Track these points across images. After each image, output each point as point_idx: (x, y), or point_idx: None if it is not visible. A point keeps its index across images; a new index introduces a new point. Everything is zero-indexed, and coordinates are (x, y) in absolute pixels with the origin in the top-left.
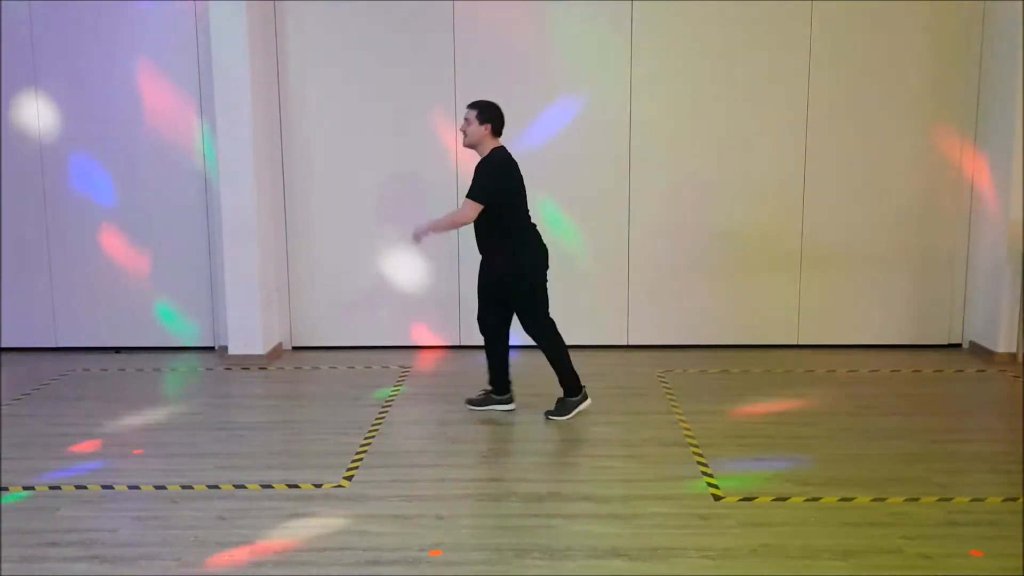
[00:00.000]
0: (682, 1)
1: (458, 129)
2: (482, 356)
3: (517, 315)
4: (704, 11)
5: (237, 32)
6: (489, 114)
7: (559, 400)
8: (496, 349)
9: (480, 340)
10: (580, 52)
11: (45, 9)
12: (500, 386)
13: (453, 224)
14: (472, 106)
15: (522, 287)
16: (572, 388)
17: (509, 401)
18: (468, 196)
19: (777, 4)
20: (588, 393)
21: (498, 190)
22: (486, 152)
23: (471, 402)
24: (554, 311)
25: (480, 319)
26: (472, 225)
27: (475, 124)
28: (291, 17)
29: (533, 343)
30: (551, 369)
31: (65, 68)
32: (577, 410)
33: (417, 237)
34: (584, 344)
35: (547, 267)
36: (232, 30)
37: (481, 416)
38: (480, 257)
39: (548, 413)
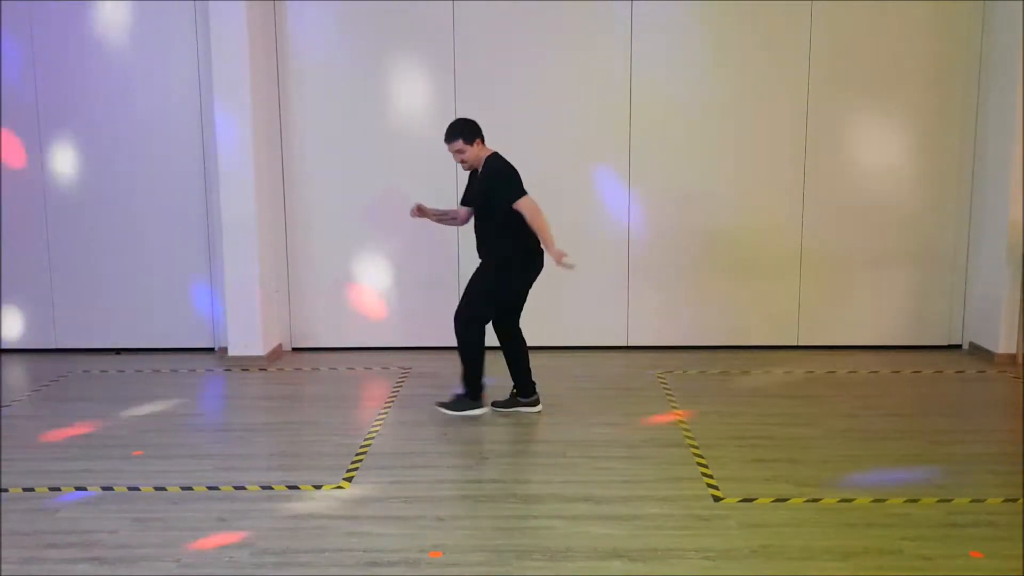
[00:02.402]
0: (682, 1)
1: (457, 161)
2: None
3: (466, 293)
4: (704, 11)
5: (237, 32)
6: (473, 132)
7: (459, 396)
8: (511, 349)
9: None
10: (579, 52)
11: (45, 9)
12: (525, 387)
13: (544, 227)
14: (454, 136)
15: (497, 277)
16: (475, 391)
17: (536, 403)
18: (516, 198)
19: (777, 4)
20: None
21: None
22: (482, 161)
23: (497, 404)
24: (555, 311)
25: (494, 324)
26: (478, 228)
27: (469, 150)
28: (291, 17)
29: (537, 343)
30: (558, 369)
31: (65, 68)
32: (469, 413)
33: (564, 262)
34: (584, 344)
35: (532, 279)
36: (232, 30)
37: (481, 417)
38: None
39: (440, 403)
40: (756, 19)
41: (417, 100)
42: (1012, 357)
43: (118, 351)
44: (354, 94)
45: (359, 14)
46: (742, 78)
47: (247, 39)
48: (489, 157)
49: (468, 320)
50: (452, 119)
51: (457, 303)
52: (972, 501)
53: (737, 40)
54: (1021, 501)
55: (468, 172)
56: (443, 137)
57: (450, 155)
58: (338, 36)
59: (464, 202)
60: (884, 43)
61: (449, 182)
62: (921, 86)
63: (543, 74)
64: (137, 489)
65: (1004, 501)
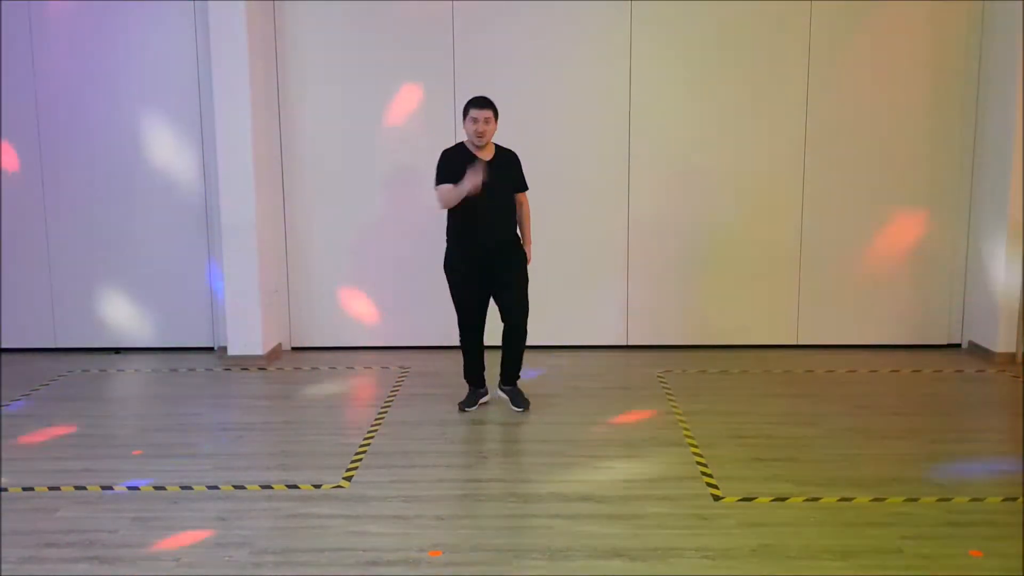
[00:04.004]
0: (682, 1)
1: (477, 131)
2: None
3: (519, 302)
4: (703, 11)
5: (237, 32)
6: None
7: (519, 393)
8: (482, 344)
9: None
10: (579, 53)
11: (45, 9)
12: (480, 379)
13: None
14: (489, 105)
15: (525, 264)
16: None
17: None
18: (525, 190)
19: (776, 4)
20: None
21: None
22: (492, 146)
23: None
24: (555, 311)
25: (479, 320)
26: (496, 213)
27: (493, 123)
28: (291, 17)
29: (537, 343)
30: (558, 369)
31: (64, 68)
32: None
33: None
34: (584, 344)
35: None
36: (232, 30)
37: (480, 416)
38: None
39: (518, 407)
40: (755, 19)
41: (417, 99)
42: (1012, 356)
43: (118, 351)
44: (354, 94)
45: (359, 13)
46: (742, 78)
47: (247, 39)
48: (499, 145)
49: (527, 312)
50: (448, 118)
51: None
52: (972, 500)
53: (737, 40)
54: (1021, 500)
55: (444, 159)
56: (475, 102)
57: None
58: (338, 35)
59: (491, 188)
60: (883, 43)
61: None
62: (921, 86)
63: (542, 73)
64: (137, 489)
65: (1004, 500)
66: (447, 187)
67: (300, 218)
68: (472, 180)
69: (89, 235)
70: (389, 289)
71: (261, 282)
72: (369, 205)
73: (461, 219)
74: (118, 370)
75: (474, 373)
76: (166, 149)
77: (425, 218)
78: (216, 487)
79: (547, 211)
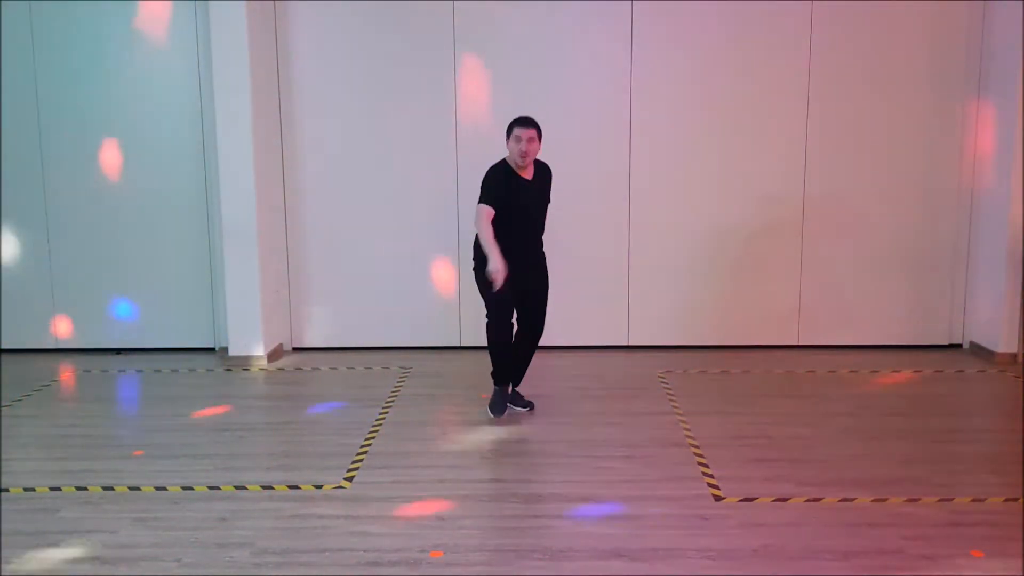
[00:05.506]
0: (682, 1)
1: (521, 151)
2: (485, 356)
3: (542, 309)
4: (703, 10)
5: (237, 32)
6: None
7: (520, 394)
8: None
9: (482, 341)
10: (579, 53)
11: (45, 8)
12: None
13: None
14: (533, 124)
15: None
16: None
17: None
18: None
19: (777, 4)
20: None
21: None
22: (532, 163)
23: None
24: (556, 311)
25: (510, 322)
26: (531, 229)
27: (537, 143)
28: (291, 17)
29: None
30: (558, 369)
31: (64, 68)
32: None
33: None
34: (584, 344)
35: None
36: (232, 30)
37: (481, 417)
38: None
39: (525, 407)
40: (756, 19)
41: (418, 100)
42: (1012, 356)
43: (118, 351)
44: (354, 93)
45: (360, 14)
46: (743, 78)
47: (247, 39)
48: (537, 159)
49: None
50: (449, 116)
51: (459, 302)
52: (973, 501)
53: (738, 39)
54: (1022, 501)
55: (492, 179)
56: (520, 121)
57: (445, 160)
58: (338, 35)
59: (527, 207)
60: (884, 43)
61: (449, 180)
62: (921, 86)
63: (543, 74)
64: (138, 489)
65: (1005, 501)
66: (488, 236)
67: (301, 218)
68: (497, 275)
69: (89, 235)
70: (389, 289)
71: (262, 282)
72: (370, 205)
73: (503, 235)
74: (119, 370)
75: (510, 369)
76: (167, 149)
77: (426, 218)
78: (217, 487)
79: (548, 211)
